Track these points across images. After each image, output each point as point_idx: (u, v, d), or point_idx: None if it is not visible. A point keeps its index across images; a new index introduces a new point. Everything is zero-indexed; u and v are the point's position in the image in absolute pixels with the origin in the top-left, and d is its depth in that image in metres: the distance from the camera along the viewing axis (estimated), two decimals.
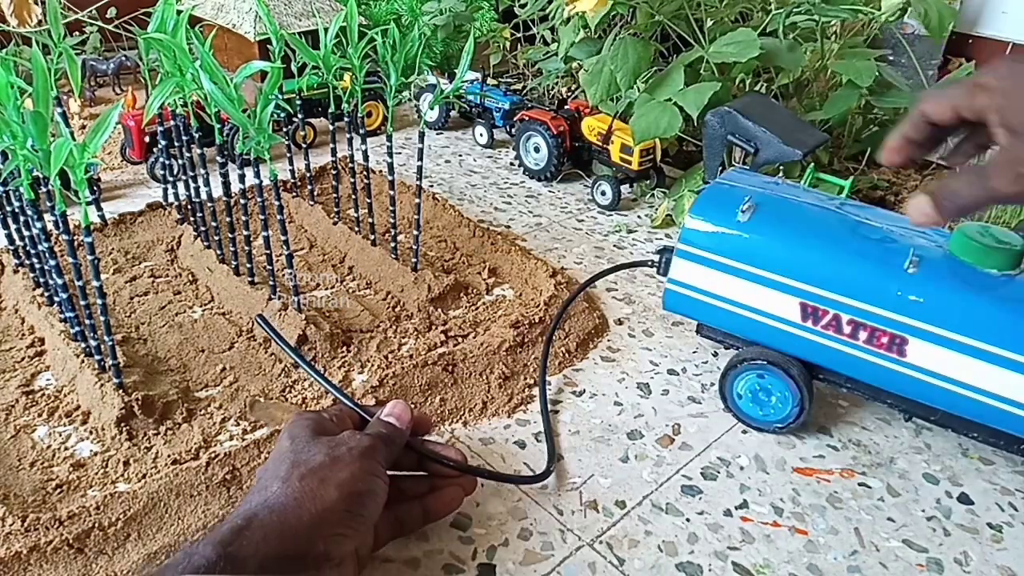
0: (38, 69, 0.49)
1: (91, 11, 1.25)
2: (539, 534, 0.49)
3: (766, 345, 0.57)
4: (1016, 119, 0.36)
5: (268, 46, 0.88)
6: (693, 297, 0.59)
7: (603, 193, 0.96)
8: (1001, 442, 0.53)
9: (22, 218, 0.65)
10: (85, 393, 0.57)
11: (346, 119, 0.78)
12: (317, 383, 0.60)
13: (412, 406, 0.51)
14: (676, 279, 0.59)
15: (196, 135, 0.72)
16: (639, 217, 0.95)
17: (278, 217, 0.64)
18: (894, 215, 0.58)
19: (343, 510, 0.39)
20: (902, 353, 0.51)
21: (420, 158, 0.72)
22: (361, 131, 0.76)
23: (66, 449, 0.54)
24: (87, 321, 0.57)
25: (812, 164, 0.66)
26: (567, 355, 0.67)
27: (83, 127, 1.09)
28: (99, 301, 0.55)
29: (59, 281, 0.57)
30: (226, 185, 0.70)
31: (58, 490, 0.50)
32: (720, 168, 0.74)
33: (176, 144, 0.74)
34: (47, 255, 0.57)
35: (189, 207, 0.78)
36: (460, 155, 1.13)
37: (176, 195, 0.83)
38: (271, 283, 0.67)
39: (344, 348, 0.65)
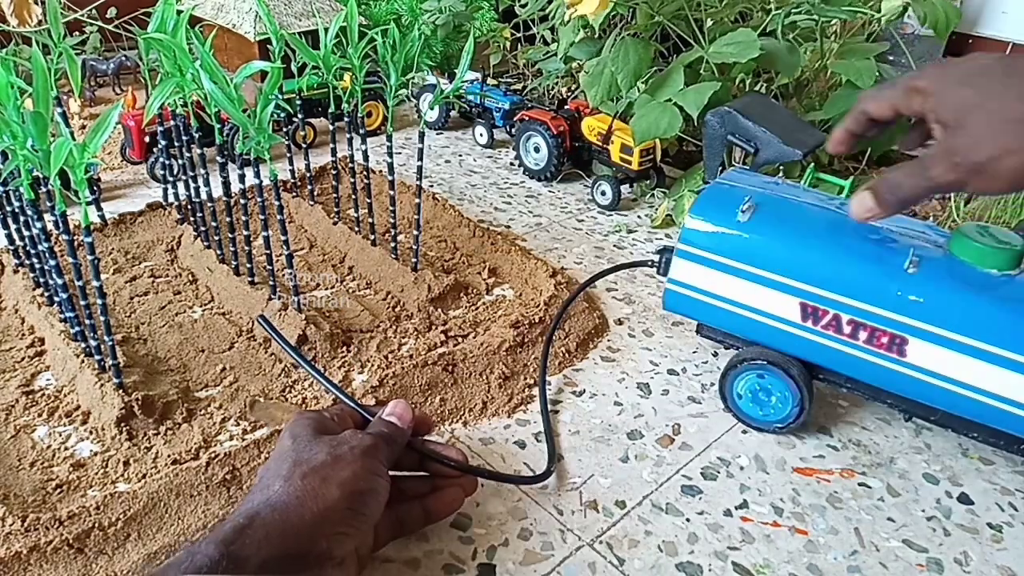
0: (38, 69, 0.49)
1: (91, 11, 1.25)
2: (539, 534, 0.49)
3: (766, 345, 0.57)
4: (946, 116, 0.41)
5: (268, 46, 0.88)
6: (693, 297, 0.59)
7: (603, 193, 0.96)
8: (1001, 442, 0.53)
9: (22, 218, 0.65)
10: (85, 393, 0.57)
11: (346, 119, 0.78)
12: (317, 383, 0.60)
13: (413, 406, 0.51)
14: (676, 279, 0.59)
15: (196, 135, 0.72)
16: (639, 217, 0.95)
17: (278, 217, 0.64)
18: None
19: (345, 508, 0.39)
20: (902, 353, 0.51)
21: (420, 158, 0.72)
22: (361, 131, 0.76)
23: (66, 449, 0.54)
24: (87, 321, 0.57)
25: (812, 164, 0.66)
26: (567, 355, 0.67)
27: (83, 127, 1.09)
28: (99, 301, 0.55)
29: (59, 281, 0.57)
30: (226, 185, 0.70)
31: (58, 490, 0.50)
32: (720, 168, 0.74)
33: (176, 144, 0.74)
34: (47, 255, 0.57)
35: (189, 207, 0.78)
36: (460, 155, 1.13)
37: (176, 195, 0.83)
38: (271, 283, 0.67)
39: (344, 348, 0.65)
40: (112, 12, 1.27)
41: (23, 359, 0.63)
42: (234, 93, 0.56)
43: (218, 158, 0.78)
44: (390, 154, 0.72)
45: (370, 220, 0.78)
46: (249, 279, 0.71)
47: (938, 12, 0.87)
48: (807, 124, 0.78)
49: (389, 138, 0.72)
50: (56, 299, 0.63)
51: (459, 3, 1.25)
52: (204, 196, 0.74)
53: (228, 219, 0.71)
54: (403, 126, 1.22)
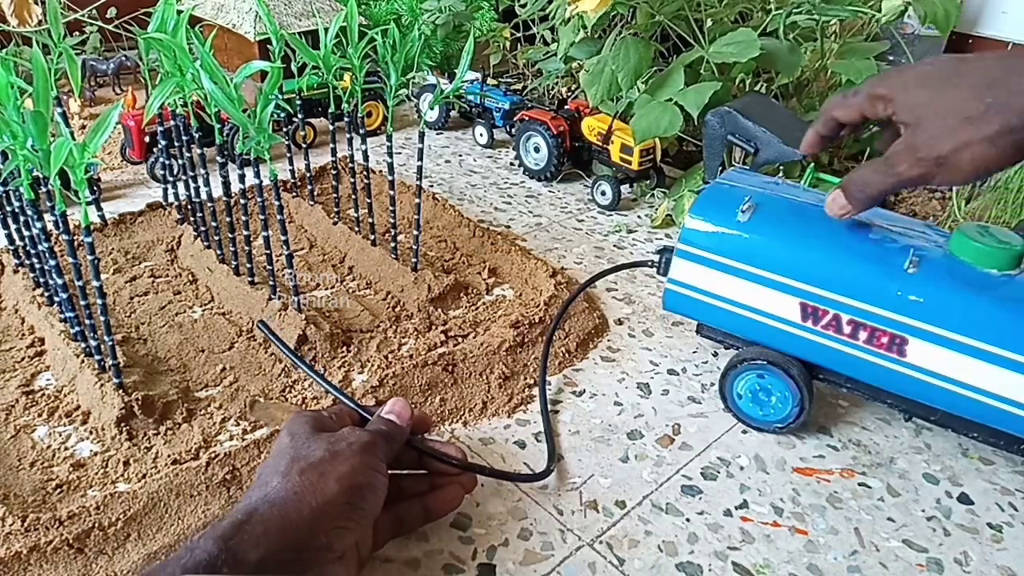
0: (38, 69, 0.49)
1: (91, 11, 1.25)
2: (539, 534, 0.49)
3: (766, 345, 0.57)
4: (906, 117, 0.45)
5: (268, 46, 0.88)
6: (693, 297, 0.59)
7: (603, 193, 0.96)
8: (1001, 442, 0.53)
9: (22, 218, 0.65)
10: (85, 393, 0.57)
11: (346, 119, 0.78)
12: (317, 383, 0.60)
13: (412, 405, 0.51)
14: (676, 279, 0.59)
15: (196, 135, 0.72)
16: (639, 217, 0.95)
17: (278, 217, 0.64)
18: (894, 215, 0.58)
19: (343, 503, 0.40)
20: (902, 353, 0.51)
21: (420, 158, 0.72)
22: (361, 131, 0.76)
23: (66, 449, 0.54)
24: (87, 321, 0.57)
25: (812, 164, 0.66)
26: (567, 355, 0.67)
27: (83, 127, 1.09)
28: (99, 301, 0.55)
29: (59, 281, 0.57)
30: (226, 185, 0.70)
31: (58, 490, 0.50)
32: (720, 168, 0.74)
33: (176, 144, 0.74)
34: (47, 255, 0.57)
35: (189, 207, 0.78)
36: (460, 155, 1.13)
37: (176, 195, 0.83)
38: (271, 283, 0.67)
39: (344, 348, 0.65)
40: (112, 12, 1.27)
41: (23, 359, 0.63)
42: (234, 93, 0.56)
43: (218, 158, 0.78)
44: (390, 154, 0.72)
45: (370, 220, 0.78)
46: (249, 279, 0.71)
47: (937, 8, 0.87)
48: (807, 124, 0.78)
49: (389, 138, 0.72)
50: (56, 299, 0.63)
51: (459, 3, 1.25)
52: (204, 196, 0.74)
53: (228, 219, 0.71)
54: (403, 126, 1.23)
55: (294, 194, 0.89)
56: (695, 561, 0.48)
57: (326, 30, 0.70)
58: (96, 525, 0.45)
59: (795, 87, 0.99)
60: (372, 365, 0.64)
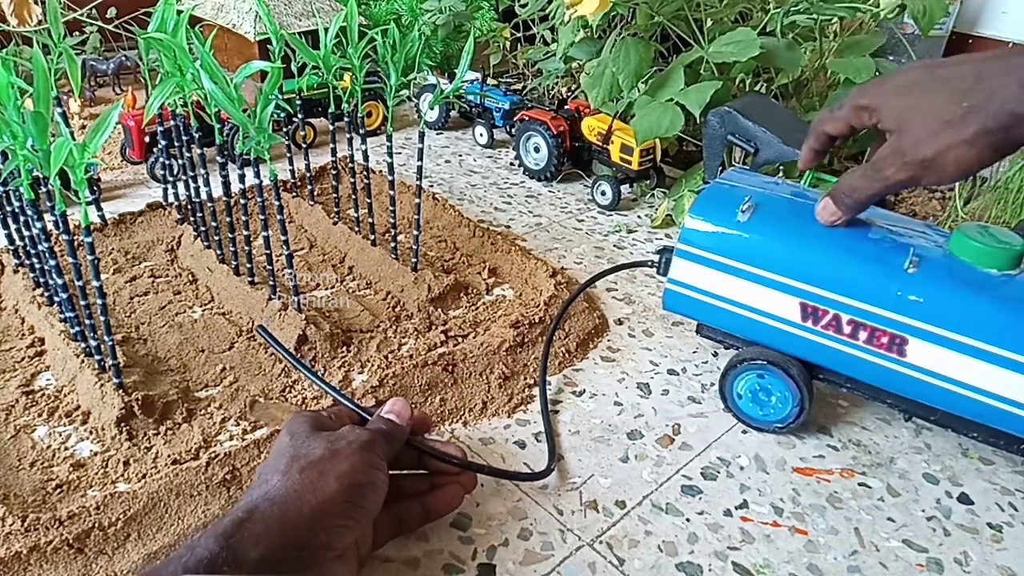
0: (38, 69, 0.49)
1: (91, 11, 1.25)
2: (539, 534, 0.49)
3: (766, 345, 0.57)
4: (890, 124, 0.47)
5: (268, 46, 0.88)
6: (693, 297, 0.59)
7: (603, 193, 0.96)
8: (1001, 442, 0.53)
9: (22, 218, 0.65)
10: (85, 393, 0.57)
11: (346, 119, 0.78)
12: (318, 385, 0.60)
13: (412, 405, 0.51)
14: (676, 279, 0.59)
15: (196, 135, 0.72)
16: (639, 217, 0.95)
17: (278, 217, 0.64)
18: (894, 215, 0.58)
19: (343, 501, 0.40)
20: (902, 353, 0.51)
21: (420, 158, 0.72)
22: (361, 131, 0.76)
23: (66, 449, 0.54)
24: (87, 321, 0.57)
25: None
26: (567, 355, 0.67)
27: (83, 127, 1.09)
28: (99, 301, 0.55)
29: (59, 281, 0.57)
30: (226, 185, 0.70)
31: (58, 490, 0.50)
32: (720, 168, 0.74)
33: (176, 144, 0.74)
34: (47, 255, 0.57)
35: (189, 207, 0.78)
36: (460, 155, 1.13)
37: (176, 195, 0.83)
38: (271, 283, 0.67)
39: (344, 348, 0.65)
40: (112, 12, 1.27)
41: (23, 359, 0.63)
42: (234, 93, 0.56)
43: (218, 158, 0.78)
44: (390, 154, 0.72)
45: (370, 220, 0.78)
46: (249, 279, 0.71)
47: (919, 5, 0.86)
48: (807, 124, 0.78)
49: (389, 138, 0.72)
50: (56, 299, 0.63)
51: (459, 3, 1.25)
52: (204, 196, 0.74)
53: (228, 219, 0.71)
54: (403, 126, 1.23)
55: (294, 194, 0.89)
56: (695, 561, 0.48)
57: (326, 30, 0.70)
58: (96, 525, 0.45)
59: (795, 87, 0.99)
60: (372, 365, 0.64)
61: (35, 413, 0.57)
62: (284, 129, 1.00)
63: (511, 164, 1.09)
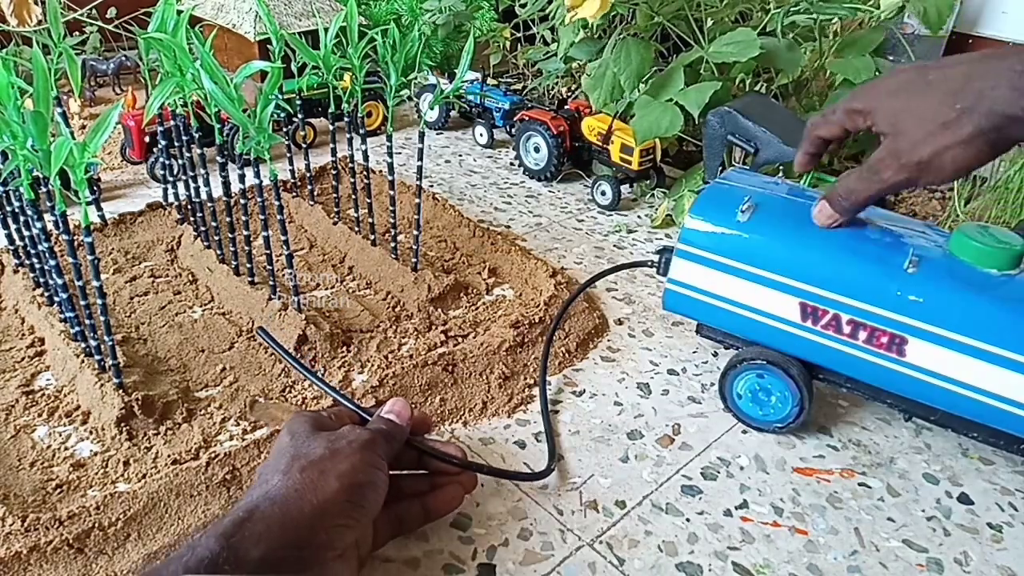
0: (38, 69, 0.49)
1: (91, 11, 1.25)
2: (539, 534, 0.49)
3: (766, 345, 0.57)
4: (884, 127, 0.48)
5: (268, 46, 0.88)
6: (693, 297, 0.59)
7: (603, 193, 0.96)
8: (1001, 442, 0.53)
9: (22, 218, 0.65)
10: (85, 393, 0.57)
11: (346, 119, 0.78)
12: (318, 386, 0.60)
13: (412, 405, 0.51)
14: (676, 279, 0.59)
15: (196, 135, 0.72)
16: (639, 217, 0.95)
17: (278, 217, 0.64)
18: (893, 215, 0.58)
19: (344, 501, 0.40)
20: (902, 353, 0.51)
21: (420, 158, 0.72)
22: (361, 131, 0.76)
23: (66, 449, 0.54)
24: (87, 321, 0.57)
25: None
26: (567, 355, 0.67)
27: (83, 127, 1.09)
28: (99, 301, 0.55)
29: (59, 281, 0.57)
30: (226, 185, 0.70)
31: (58, 490, 0.50)
32: (720, 168, 0.74)
33: (176, 144, 0.74)
34: (47, 255, 0.57)
35: (189, 207, 0.78)
36: (460, 155, 1.13)
37: (176, 195, 0.83)
38: (271, 283, 0.67)
39: (344, 348, 0.65)
40: (112, 12, 1.27)
41: (23, 359, 0.63)
42: (234, 93, 0.56)
43: (218, 158, 0.78)
44: (390, 154, 0.72)
45: (370, 220, 0.78)
46: (249, 279, 0.71)
47: (929, 7, 0.86)
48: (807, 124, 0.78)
49: (389, 138, 0.72)
50: (56, 299, 0.63)
51: (459, 3, 1.25)
52: (204, 196, 0.74)
53: (228, 219, 0.71)
54: (403, 126, 1.23)
55: (294, 194, 0.89)
56: (695, 561, 0.48)
57: (326, 30, 0.70)
58: (96, 525, 0.45)
59: (795, 87, 0.99)
60: (372, 365, 0.64)
61: (35, 413, 0.57)
62: (284, 129, 1.00)
63: (511, 164, 1.09)
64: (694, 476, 0.55)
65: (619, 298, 0.77)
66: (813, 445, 0.58)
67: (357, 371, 0.63)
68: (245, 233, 0.70)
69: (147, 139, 0.95)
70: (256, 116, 0.57)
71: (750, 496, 0.53)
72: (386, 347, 0.66)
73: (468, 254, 0.83)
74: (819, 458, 0.57)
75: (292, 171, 0.89)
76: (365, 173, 0.82)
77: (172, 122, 0.74)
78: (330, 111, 0.80)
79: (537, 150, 1.02)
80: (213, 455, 0.51)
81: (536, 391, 0.62)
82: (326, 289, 0.75)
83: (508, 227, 0.91)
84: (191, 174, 0.75)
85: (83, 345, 0.59)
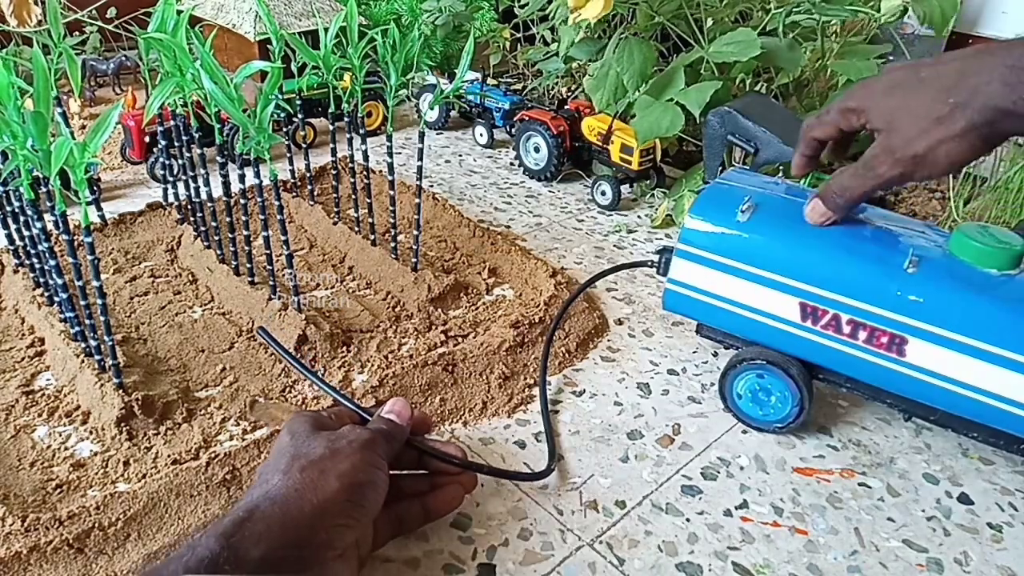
0: (38, 69, 0.49)
1: (91, 11, 1.25)
2: (539, 534, 0.49)
3: (766, 345, 0.57)
4: (879, 124, 0.48)
5: (268, 46, 0.88)
6: (693, 297, 0.59)
7: (603, 193, 0.96)
8: (1001, 442, 0.53)
9: (22, 218, 0.65)
10: (85, 393, 0.57)
11: (346, 119, 0.78)
12: (318, 386, 0.60)
13: (412, 405, 0.51)
14: (676, 279, 0.59)
15: (196, 135, 0.72)
16: (639, 217, 0.95)
17: (278, 217, 0.64)
18: (894, 215, 0.58)
19: (344, 500, 0.40)
20: (902, 353, 0.51)
21: (420, 158, 0.72)
22: (361, 131, 0.76)
23: (66, 449, 0.54)
24: (87, 321, 0.57)
25: None
26: (567, 355, 0.67)
27: (83, 127, 1.09)
28: (99, 301, 0.55)
29: (59, 281, 0.57)
30: (226, 185, 0.70)
31: (58, 490, 0.50)
32: (720, 168, 0.74)
33: (176, 144, 0.74)
34: (47, 255, 0.57)
35: (189, 207, 0.78)
36: (460, 155, 1.13)
37: (176, 195, 0.83)
38: (271, 283, 0.67)
39: (344, 348, 0.65)
40: (112, 12, 1.27)
41: (23, 359, 0.63)
42: (234, 93, 0.56)
43: (218, 158, 0.78)
44: (390, 154, 0.72)
45: (370, 220, 0.78)
46: (249, 279, 0.71)
47: (934, 9, 0.87)
48: None
49: (389, 138, 0.72)
50: (56, 299, 0.63)
51: (459, 3, 1.25)
52: (204, 196, 0.74)
53: (228, 219, 0.71)
54: (403, 126, 1.23)
55: (294, 194, 0.89)
56: (695, 561, 0.48)
57: (326, 30, 0.70)
58: (96, 525, 0.45)
59: (795, 87, 0.99)
60: (372, 365, 0.64)
61: (35, 413, 0.57)
62: (284, 129, 1.00)
63: (511, 164, 1.09)
64: (694, 476, 0.55)
65: (619, 298, 0.77)
66: (813, 445, 0.58)
67: (357, 371, 0.63)
68: (245, 233, 0.70)
69: (147, 139, 0.95)
70: (256, 116, 0.57)
71: (750, 496, 0.53)
72: (386, 347, 0.66)
73: (468, 254, 0.83)
74: (819, 458, 0.57)
75: (292, 171, 0.89)
76: (365, 173, 0.82)
77: (172, 122, 0.74)
78: (330, 111, 0.80)
79: (537, 150, 1.02)
80: (213, 455, 0.51)
81: (536, 391, 0.62)
82: (326, 289, 0.75)
83: (508, 227, 0.91)
84: (191, 174, 0.75)
85: (83, 345, 0.59)
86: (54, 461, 0.53)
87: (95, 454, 0.53)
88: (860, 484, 0.55)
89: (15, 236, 0.69)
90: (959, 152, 0.45)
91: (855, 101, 0.50)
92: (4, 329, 0.66)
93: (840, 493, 0.54)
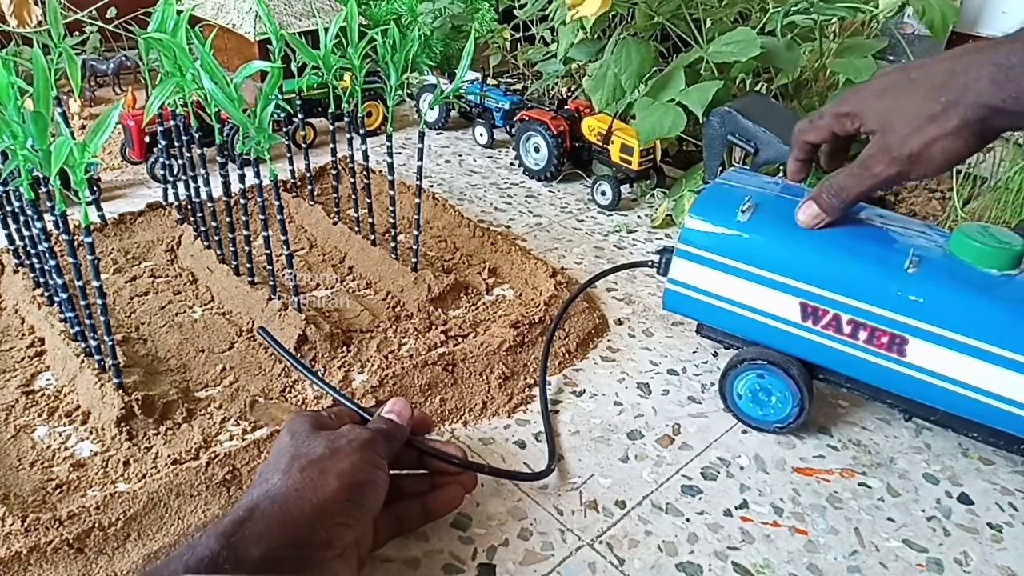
0: (38, 69, 0.49)
1: (91, 11, 1.25)
2: (539, 534, 0.49)
3: (766, 345, 0.57)
4: (873, 125, 0.49)
5: (268, 46, 0.88)
6: (693, 297, 0.59)
7: (603, 193, 0.96)
8: (1001, 442, 0.53)
9: (22, 218, 0.65)
10: (85, 393, 0.57)
11: (346, 119, 0.78)
12: (319, 386, 0.60)
13: (413, 405, 0.51)
14: (676, 279, 0.59)
15: (196, 135, 0.72)
16: (639, 217, 0.95)
17: (278, 217, 0.64)
18: (894, 215, 0.58)
19: (344, 500, 0.40)
20: (902, 353, 0.51)
21: (420, 158, 0.72)
22: (361, 131, 0.76)
23: (66, 449, 0.54)
24: (87, 321, 0.57)
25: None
26: (567, 355, 0.67)
27: (83, 127, 1.09)
28: (99, 301, 0.55)
29: (59, 281, 0.57)
30: (226, 185, 0.70)
31: (58, 490, 0.50)
32: (720, 168, 0.74)
33: (176, 144, 0.74)
34: (47, 255, 0.57)
35: (189, 207, 0.78)
36: (460, 155, 1.13)
37: (176, 195, 0.83)
38: (271, 283, 0.67)
39: (344, 348, 0.65)
40: (112, 12, 1.27)
41: (23, 359, 0.63)
42: (234, 93, 0.56)
43: (218, 158, 0.78)
44: (390, 154, 0.72)
45: (370, 220, 0.78)
46: (249, 279, 0.71)
47: (935, 12, 0.87)
48: None
49: (389, 138, 0.72)
50: (56, 299, 0.63)
51: (457, 4, 1.25)
52: (204, 196, 0.74)
53: (228, 219, 0.71)
54: (403, 126, 1.23)
55: (294, 194, 0.89)
56: (695, 561, 0.48)
57: (326, 30, 0.70)
58: (96, 525, 0.45)
59: (795, 87, 0.99)
60: (372, 365, 0.64)
61: (35, 413, 0.57)
62: (284, 129, 1.00)
63: (511, 164, 1.09)
64: (694, 476, 0.55)
65: (619, 298, 0.77)
66: (813, 445, 0.58)
67: (357, 371, 0.63)
68: (245, 233, 0.70)
69: (147, 139, 0.95)
70: (256, 116, 0.57)
71: (750, 496, 0.53)
72: (386, 347, 0.66)
73: (468, 254, 0.83)
74: (819, 458, 0.57)
75: (292, 171, 0.89)
76: (365, 173, 0.82)
77: (172, 122, 0.74)
78: (330, 111, 0.80)
79: (537, 150, 1.02)
80: (213, 455, 0.51)
81: (536, 391, 0.62)
82: (326, 289, 0.75)
83: (508, 227, 0.91)
84: (191, 174, 0.75)
85: (83, 345, 0.59)
86: (54, 461, 0.53)
87: (95, 454, 0.53)
88: (860, 484, 0.55)
89: (15, 236, 0.69)
90: (954, 149, 0.46)
91: (848, 105, 0.51)
92: (4, 329, 0.66)
93: (840, 493, 0.54)
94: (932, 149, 0.46)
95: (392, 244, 0.77)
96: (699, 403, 0.62)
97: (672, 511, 0.52)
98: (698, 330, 0.64)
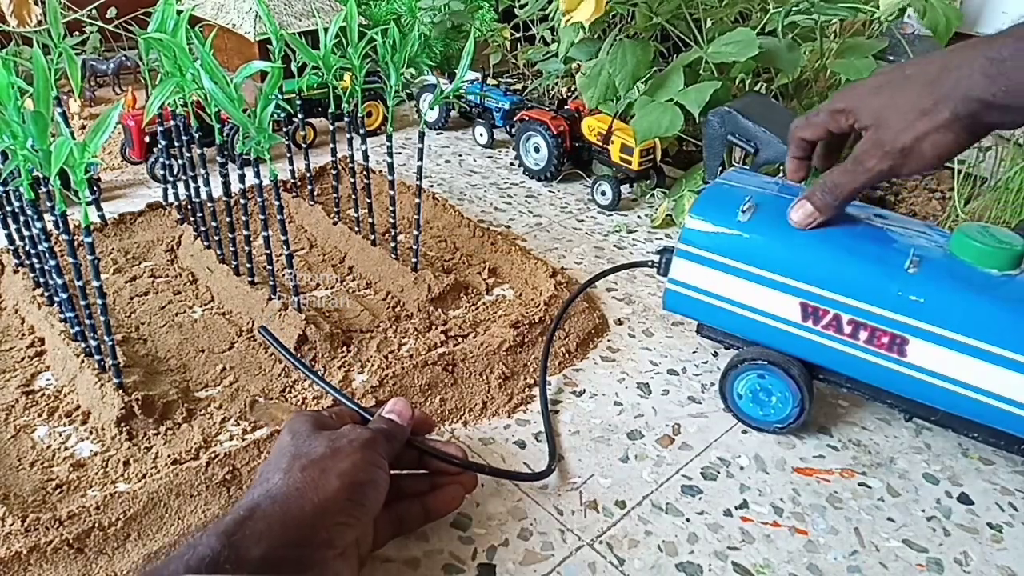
0: (38, 69, 0.49)
1: (91, 11, 1.25)
2: (539, 534, 0.49)
3: (766, 345, 0.57)
4: (867, 122, 0.50)
5: (268, 46, 0.88)
6: (693, 297, 0.59)
7: (603, 193, 0.96)
8: (1001, 442, 0.53)
9: (22, 218, 0.65)
10: (85, 393, 0.57)
11: (346, 119, 0.78)
12: (319, 386, 0.60)
13: (413, 405, 0.51)
14: (676, 279, 0.59)
15: (196, 135, 0.72)
16: (639, 217, 0.95)
17: (278, 217, 0.64)
18: (894, 215, 0.58)
19: (345, 499, 0.40)
20: (902, 353, 0.51)
21: (420, 158, 0.72)
22: (361, 131, 0.76)
23: (66, 449, 0.54)
24: (87, 321, 0.57)
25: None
26: (567, 355, 0.67)
27: (83, 127, 1.09)
28: (99, 301, 0.55)
29: (59, 281, 0.57)
30: (226, 185, 0.70)
31: (58, 490, 0.50)
32: (720, 168, 0.74)
33: (176, 144, 0.74)
34: (47, 255, 0.57)
35: (189, 207, 0.78)
36: (460, 155, 1.13)
37: (176, 195, 0.83)
38: (271, 283, 0.67)
39: (344, 348, 0.65)
40: (112, 12, 1.27)
41: (23, 359, 0.63)
42: (234, 93, 0.56)
43: (218, 158, 0.78)
44: (390, 154, 0.72)
45: (370, 220, 0.78)
46: (249, 279, 0.71)
47: (938, 15, 0.87)
48: None
49: (389, 138, 0.72)
50: (56, 299, 0.63)
51: (457, 3, 1.25)
52: (204, 196, 0.74)
53: (228, 219, 0.71)
54: (403, 126, 1.23)
55: (294, 194, 0.89)
56: (695, 561, 0.48)
57: (326, 30, 0.70)
58: (96, 525, 0.45)
59: (795, 87, 0.99)
60: (372, 365, 0.64)
61: (35, 413, 0.57)
62: (284, 129, 1.00)
63: (511, 164, 1.09)
64: (694, 476, 0.55)
65: (619, 298, 0.77)
66: (813, 445, 0.58)
67: (357, 371, 0.63)
68: (245, 233, 0.70)
69: (147, 139, 0.95)
70: (256, 116, 0.57)
71: (750, 496, 0.53)
72: (386, 347, 0.66)
73: (468, 254, 0.83)
74: (819, 458, 0.57)
75: (292, 171, 0.89)
76: (365, 173, 0.82)
77: (172, 122, 0.74)
78: (330, 111, 0.80)
79: (537, 150, 1.02)
80: (213, 455, 0.51)
81: (536, 391, 0.62)
82: (326, 289, 0.75)
83: (508, 227, 0.91)
84: (191, 174, 0.75)
85: (83, 345, 0.59)
86: (54, 461, 0.53)
87: (95, 454, 0.53)
88: (860, 484, 0.55)
89: (15, 236, 0.69)
90: (944, 143, 0.47)
91: (843, 102, 0.51)
92: (4, 329, 0.66)
93: (840, 493, 0.54)
94: (923, 143, 0.47)
95: (392, 244, 0.77)
96: (699, 403, 0.62)
97: (672, 511, 0.52)
98: (698, 330, 0.64)
